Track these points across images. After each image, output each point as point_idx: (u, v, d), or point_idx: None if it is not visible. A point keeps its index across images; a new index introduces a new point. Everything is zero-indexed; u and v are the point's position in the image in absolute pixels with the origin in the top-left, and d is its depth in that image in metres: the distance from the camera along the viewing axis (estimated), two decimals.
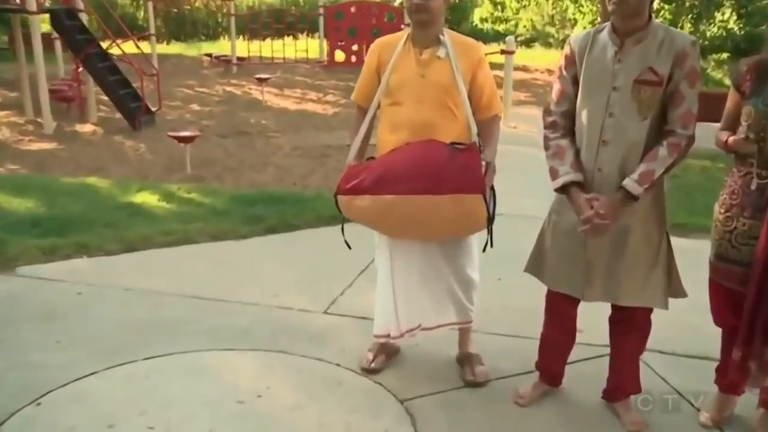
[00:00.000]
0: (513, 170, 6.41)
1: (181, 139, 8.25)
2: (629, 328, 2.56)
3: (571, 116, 2.53)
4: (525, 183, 5.97)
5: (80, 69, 10.85)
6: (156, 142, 9.19)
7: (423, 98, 2.74)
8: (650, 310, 2.55)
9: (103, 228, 4.94)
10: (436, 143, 2.68)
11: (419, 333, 2.97)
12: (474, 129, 2.75)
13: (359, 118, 2.93)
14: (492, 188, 2.77)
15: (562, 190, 2.50)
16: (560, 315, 2.73)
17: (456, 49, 2.73)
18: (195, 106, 12.15)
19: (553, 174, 2.52)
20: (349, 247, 2.85)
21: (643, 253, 2.43)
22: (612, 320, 2.63)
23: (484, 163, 2.65)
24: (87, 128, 10.30)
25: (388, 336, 2.95)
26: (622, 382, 2.66)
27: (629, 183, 2.30)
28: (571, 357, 2.83)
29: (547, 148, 2.57)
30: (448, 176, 2.54)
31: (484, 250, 2.72)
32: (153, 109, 10.80)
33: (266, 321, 3.57)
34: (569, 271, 2.58)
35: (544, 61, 17.50)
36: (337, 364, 3.13)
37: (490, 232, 2.67)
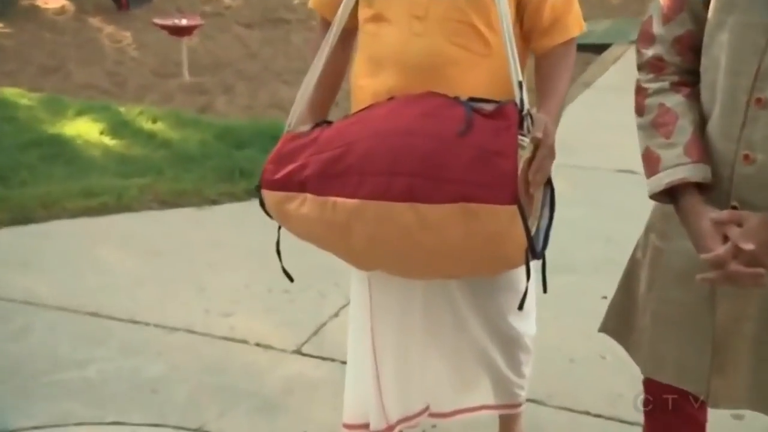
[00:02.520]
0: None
1: (173, 30, 8.06)
2: None
3: (693, 47, 2.07)
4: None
5: None
6: (148, 30, 9.24)
7: (427, 10, 2.33)
8: None
9: None
10: (442, 100, 2.26)
11: (426, 420, 2.81)
12: (515, 71, 2.27)
13: (318, 41, 2.54)
14: (549, 187, 2.33)
15: (668, 195, 2.03)
16: (672, 421, 2.37)
17: None
18: None
19: (651, 163, 2.05)
20: (291, 280, 2.50)
21: None
22: None
23: (527, 140, 2.17)
24: (53, 3, 10.30)
25: (366, 427, 2.70)
26: None
27: None
28: None
29: (641, 110, 2.10)
30: (454, 167, 2.13)
31: (520, 307, 2.28)
32: None
33: (194, 365, 3.33)
34: (681, 349, 2.18)
35: None
36: None
37: (528, 269, 2.23)
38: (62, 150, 5.35)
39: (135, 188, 4.75)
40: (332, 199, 2.21)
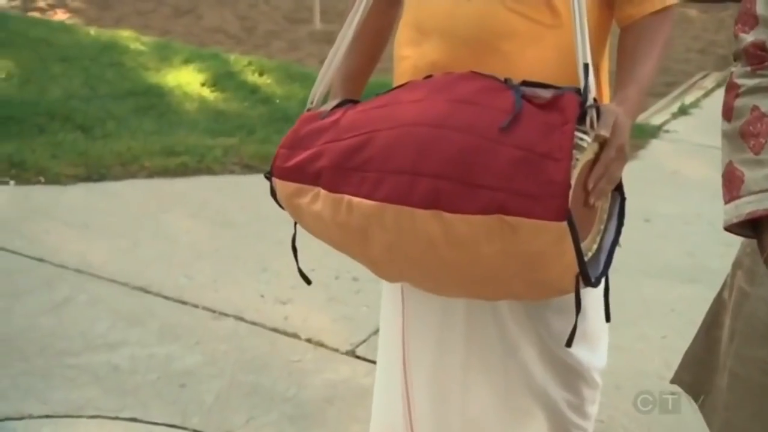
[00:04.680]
0: None
1: None
2: None
3: None
4: None
5: None
6: None
7: None
8: None
9: (72, 131, 4.80)
10: (488, 83, 1.94)
11: None
12: (585, 50, 1.92)
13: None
14: (619, 195, 1.98)
15: (751, 227, 1.74)
16: None
17: None
18: None
19: (732, 183, 1.75)
20: (308, 282, 2.25)
21: None
22: None
23: (588, 138, 1.83)
24: None
25: None
26: None
27: None
28: None
29: (729, 113, 1.76)
30: (491, 170, 1.82)
31: (569, 344, 1.94)
32: None
33: (233, 359, 3.14)
34: (761, 421, 1.88)
35: None
36: None
37: (578, 300, 1.90)
38: (157, 102, 5.32)
39: (219, 149, 4.65)
40: (347, 197, 1.97)
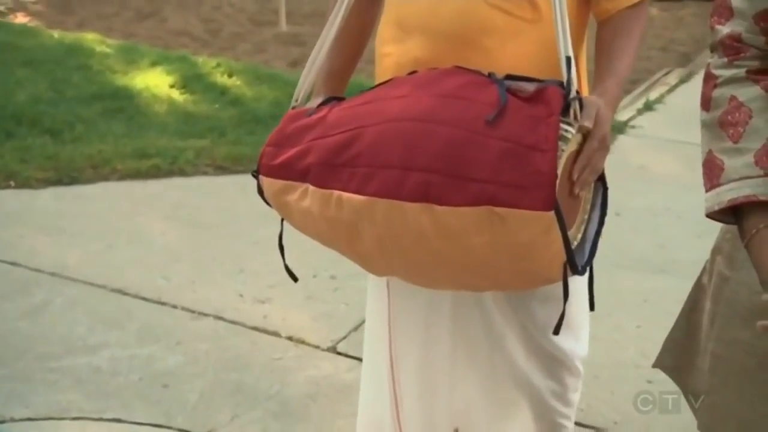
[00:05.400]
0: None
1: None
2: None
3: None
4: None
5: None
6: None
7: None
8: None
9: (41, 135, 4.79)
10: (472, 77, 1.98)
11: None
12: (566, 43, 1.98)
13: None
14: (601, 185, 2.04)
15: (732, 214, 1.76)
16: None
17: None
18: None
19: (712, 172, 1.77)
20: (294, 279, 2.26)
21: None
22: None
23: (573, 129, 1.88)
24: None
25: None
26: None
27: None
28: None
29: (707, 103, 1.79)
30: (479, 163, 1.86)
31: (556, 332, 2.00)
32: None
33: (214, 358, 3.16)
34: (748, 406, 1.90)
35: None
36: None
37: (566, 288, 1.98)
38: (126, 104, 5.30)
39: (191, 151, 4.66)
40: (336, 193, 1.99)
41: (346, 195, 1.94)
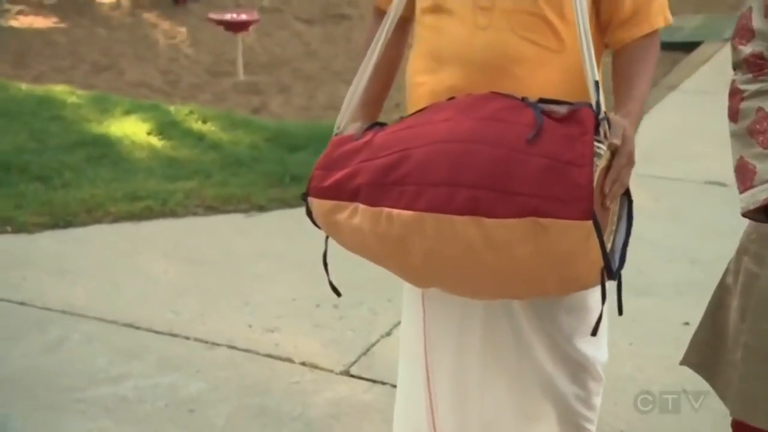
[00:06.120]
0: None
1: (229, 26, 8.10)
2: None
3: None
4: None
5: None
6: (204, 26, 9.44)
7: (493, 2, 2.22)
8: None
9: (31, 182, 4.83)
10: (509, 102, 2.13)
11: None
12: (592, 70, 2.13)
13: (372, 32, 2.44)
14: (627, 198, 2.17)
15: (764, 213, 1.93)
16: None
17: None
18: None
19: (745, 175, 1.94)
20: (338, 294, 2.36)
21: None
22: None
23: (604, 146, 2.02)
24: None
25: None
26: None
27: None
28: None
29: (735, 115, 1.97)
30: (522, 178, 2.00)
31: (594, 333, 2.14)
32: None
33: (235, 384, 3.25)
34: None
35: None
36: None
37: (604, 290, 2.07)
38: (108, 151, 5.34)
39: (180, 193, 4.72)
40: (387, 210, 2.11)
41: (396, 211, 2.06)
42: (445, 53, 2.26)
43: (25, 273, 3.94)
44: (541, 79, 2.20)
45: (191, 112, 6.08)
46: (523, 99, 2.11)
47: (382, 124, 2.29)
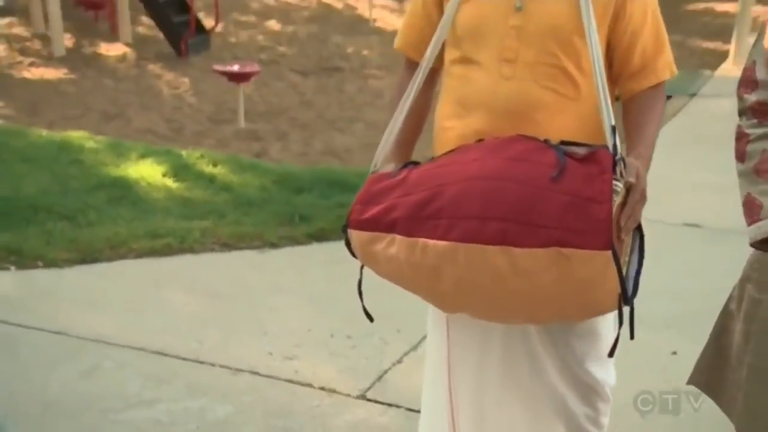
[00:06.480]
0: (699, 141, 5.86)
1: (231, 77, 8.13)
2: None
3: None
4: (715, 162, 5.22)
5: None
6: (205, 77, 9.38)
7: (517, 53, 2.26)
8: None
9: (59, 221, 4.83)
10: (533, 144, 2.18)
11: None
12: (608, 115, 2.19)
13: (406, 81, 2.47)
14: (639, 232, 2.20)
15: None
16: None
17: None
18: (273, 24, 12.11)
19: (752, 210, 1.96)
20: (370, 319, 2.38)
21: None
22: None
23: (620, 185, 2.07)
24: (114, 51, 10.43)
25: None
26: None
27: None
28: None
29: (742, 156, 2.00)
30: (547, 213, 2.04)
31: (611, 354, 2.13)
32: (208, 27, 10.66)
33: (260, 407, 3.24)
34: None
35: None
36: None
37: (622, 319, 2.09)
38: (127, 192, 5.35)
39: (197, 231, 4.73)
40: (422, 240, 2.13)
41: (431, 242, 2.09)
42: (472, 100, 2.30)
43: (58, 305, 3.94)
44: (558, 124, 2.24)
45: (202, 156, 6.08)
46: (546, 141, 2.15)
47: (416, 163, 2.32)
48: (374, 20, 12.48)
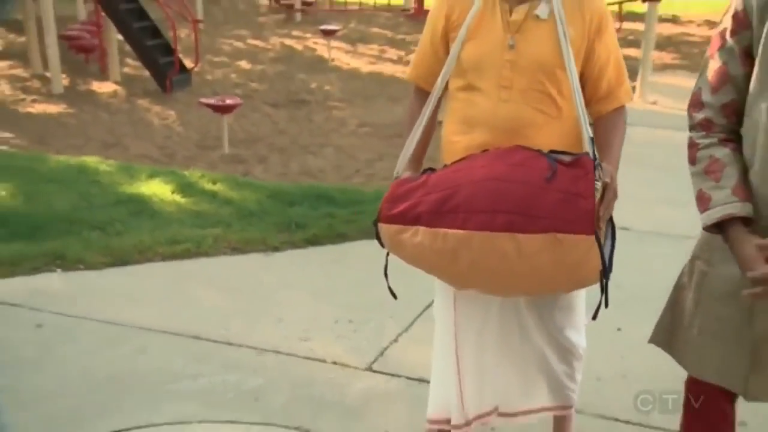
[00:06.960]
0: (645, 165, 6.33)
1: (216, 108, 8.24)
2: None
3: (736, 112, 2.19)
4: (662, 183, 5.71)
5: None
6: (189, 110, 9.42)
7: (512, 82, 2.46)
8: None
9: (92, 231, 4.99)
10: (529, 153, 2.40)
11: (495, 420, 2.79)
12: (587, 130, 2.43)
13: (416, 105, 2.68)
14: (611, 222, 2.44)
15: (718, 227, 2.15)
16: (710, 415, 2.41)
17: (565, 4, 2.43)
18: (244, 64, 12.25)
19: (703, 202, 2.18)
20: (395, 296, 2.58)
21: None
22: None
23: (599, 184, 2.31)
24: (106, 88, 10.47)
25: (447, 422, 2.70)
26: None
27: None
28: None
29: (693, 160, 2.22)
30: (544, 206, 2.25)
31: (594, 317, 2.36)
32: (189, 67, 10.76)
33: (286, 379, 3.47)
34: (724, 354, 2.25)
35: (704, 9, 16.59)
36: None
37: (604, 289, 2.32)
38: (144, 207, 5.48)
39: (210, 237, 4.89)
40: (443, 230, 2.31)
41: (451, 231, 2.30)
42: (475, 119, 2.52)
43: (102, 299, 4.13)
44: (544, 137, 2.46)
45: (202, 176, 6.22)
46: (539, 150, 2.39)
47: (433, 170, 2.55)
48: (332, 60, 12.68)
